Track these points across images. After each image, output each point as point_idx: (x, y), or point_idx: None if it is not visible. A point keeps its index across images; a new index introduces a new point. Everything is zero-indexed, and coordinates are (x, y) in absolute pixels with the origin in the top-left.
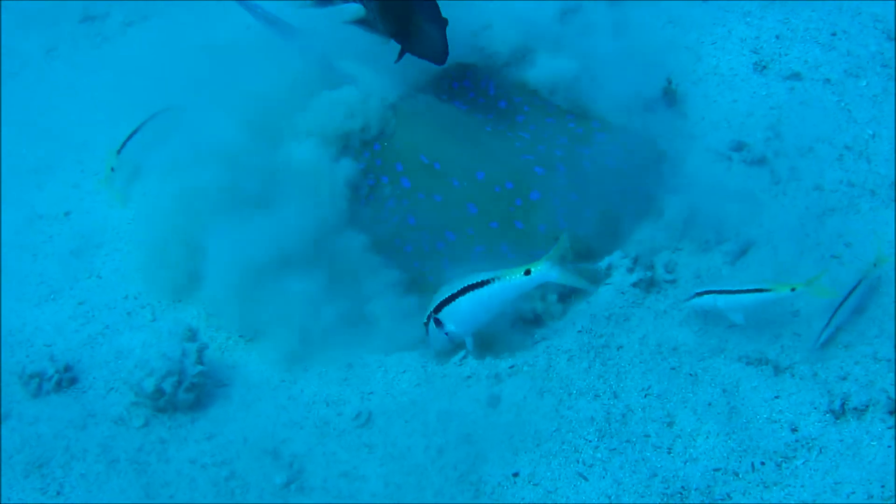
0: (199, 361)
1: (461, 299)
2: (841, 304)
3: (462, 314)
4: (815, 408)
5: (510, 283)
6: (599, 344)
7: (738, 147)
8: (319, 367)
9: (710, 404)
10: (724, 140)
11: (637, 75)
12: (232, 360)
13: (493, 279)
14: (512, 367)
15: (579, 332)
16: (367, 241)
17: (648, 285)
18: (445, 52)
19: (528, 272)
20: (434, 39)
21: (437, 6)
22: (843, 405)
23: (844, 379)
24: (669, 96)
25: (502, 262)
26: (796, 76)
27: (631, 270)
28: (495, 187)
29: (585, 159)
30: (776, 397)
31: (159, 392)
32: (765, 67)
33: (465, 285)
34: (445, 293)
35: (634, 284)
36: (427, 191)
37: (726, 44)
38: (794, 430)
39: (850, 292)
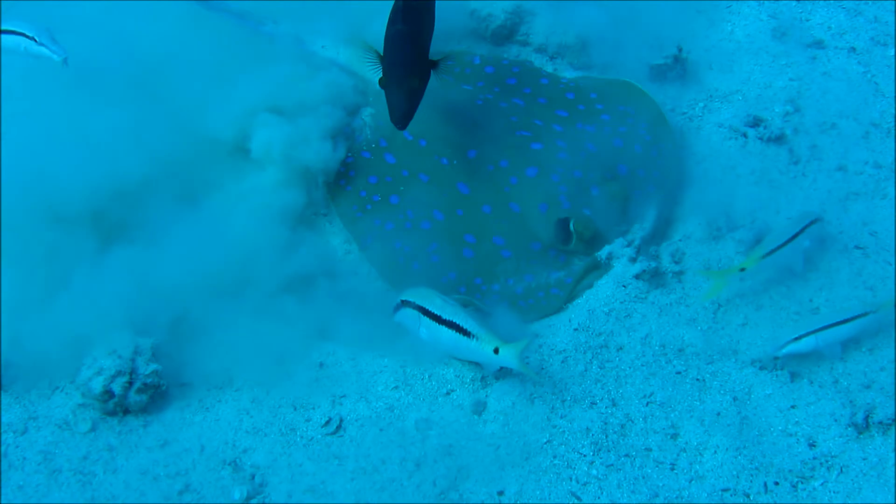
0: (154, 359)
1: (445, 330)
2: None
3: (434, 334)
4: (836, 420)
5: (477, 348)
6: (597, 344)
7: (754, 123)
8: (289, 364)
9: (718, 414)
10: (738, 115)
11: (644, 41)
12: (193, 355)
13: (470, 334)
14: (500, 368)
15: (576, 329)
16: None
17: (653, 277)
18: (400, 119)
19: (496, 351)
20: (393, 103)
21: (409, 68)
22: (866, 418)
23: (868, 388)
24: (680, 65)
25: (495, 259)
26: (818, 44)
27: (633, 260)
28: (488, 166)
29: (589, 137)
30: (792, 407)
31: (108, 393)
32: (784, 34)
33: (447, 318)
34: (436, 310)
35: (637, 276)
36: (412, 168)
37: (742, 7)
38: (812, 446)
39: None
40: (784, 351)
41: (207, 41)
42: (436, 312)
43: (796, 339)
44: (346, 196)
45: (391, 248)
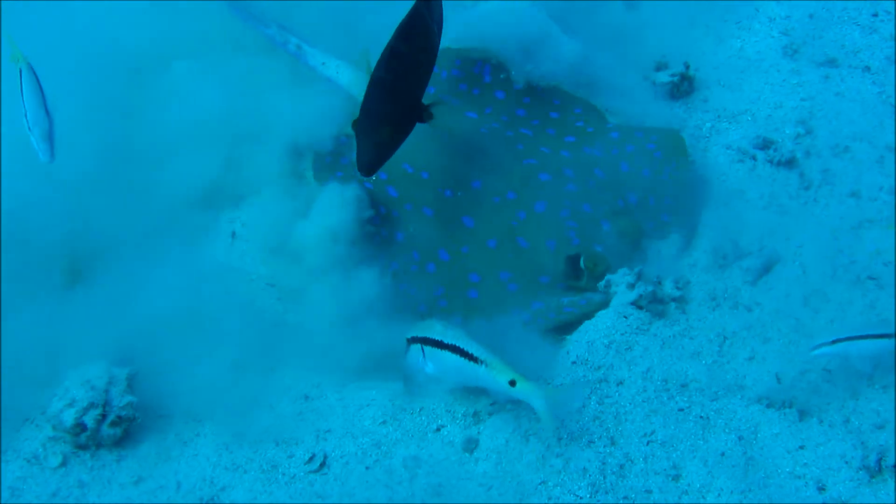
0: (130, 390)
1: (448, 355)
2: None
3: (438, 363)
4: (847, 462)
5: (490, 377)
6: (596, 378)
7: (764, 145)
8: (272, 397)
9: (723, 454)
10: (747, 136)
11: (649, 58)
12: (172, 386)
13: (482, 362)
14: (493, 403)
15: (573, 363)
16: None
17: (651, 303)
18: (364, 168)
19: (512, 383)
20: (359, 152)
21: (382, 118)
22: (879, 461)
23: (881, 428)
24: (687, 83)
25: (502, 295)
26: (832, 62)
27: (632, 287)
28: (494, 197)
29: (597, 163)
30: (801, 447)
31: (80, 426)
32: (796, 52)
33: (457, 346)
34: (437, 336)
35: (638, 305)
36: (416, 202)
37: (753, 23)
38: (821, 490)
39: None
40: (817, 352)
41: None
42: (437, 339)
43: (832, 342)
44: None
45: (396, 289)
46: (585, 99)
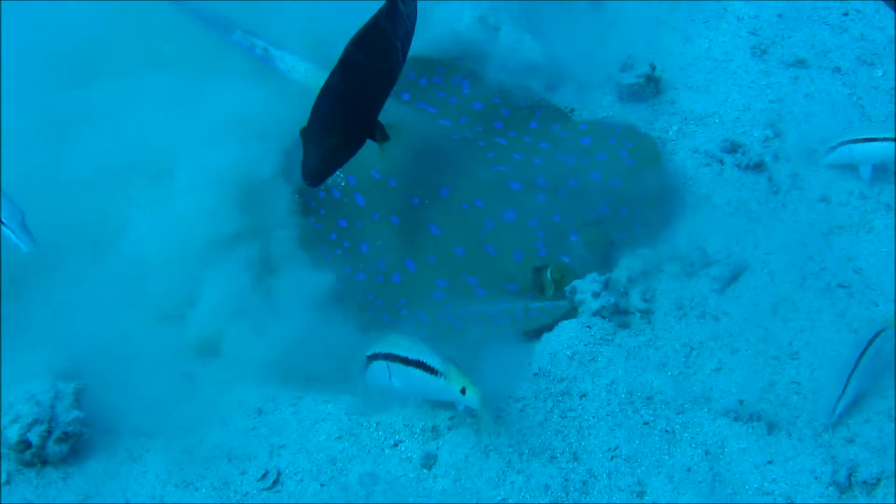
0: (76, 405)
1: (409, 368)
2: (857, 363)
3: (404, 378)
4: (816, 478)
5: (445, 387)
6: (559, 391)
7: (732, 148)
8: (224, 411)
9: (689, 470)
10: (714, 139)
11: (614, 58)
12: (121, 400)
13: (438, 373)
14: (452, 417)
15: (535, 374)
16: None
17: (620, 317)
18: (309, 176)
19: (463, 391)
20: (304, 159)
21: (330, 127)
22: (849, 476)
23: (852, 442)
24: (653, 84)
25: (469, 299)
26: (801, 63)
27: (597, 296)
28: (462, 204)
29: (569, 171)
30: (769, 462)
31: (24, 443)
32: (765, 52)
33: (421, 360)
34: (402, 351)
35: (601, 314)
36: (382, 211)
37: (720, 23)
38: None
39: (865, 349)
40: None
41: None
42: (402, 355)
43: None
44: (316, 234)
45: (363, 299)
46: (558, 108)
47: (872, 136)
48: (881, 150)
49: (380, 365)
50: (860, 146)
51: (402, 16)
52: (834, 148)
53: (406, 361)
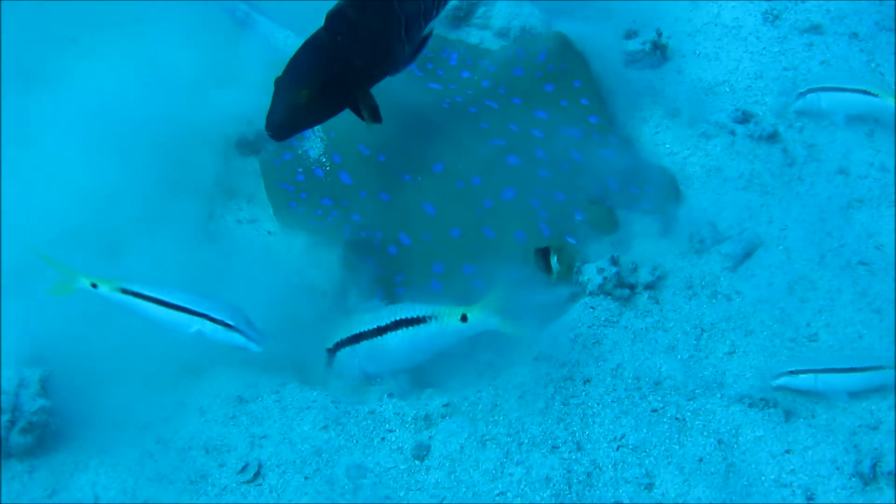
0: (43, 393)
1: (386, 337)
2: None
3: (382, 353)
4: (838, 469)
5: (440, 330)
6: (561, 376)
7: (744, 118)
8: (202, 398)
9: (701, 460)
10: (725, 109)
11: (619, 24)
12: (90, 388)
13: (425, 319)
14: (447, 405)
15: (536, 359)
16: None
17: (625, 292)
18: (272, 127)
19: (464, 318)
20: (271, 109)
21: (302, 79)
22: (874, 466)
23: (875, 429)
24: (659, 51)
25: (466, 291)
26: (816, 29)
27: (602, 272)
28: (458, 182)
29: (575, 145)
30: (787, 452)
31: None
32: (777, 17)
33: (391, 321)
34: (364, 325)
35: (607, 293)
36: (371, 188)
37: None
38: (809, 499)
39: None
40: (778, 382)
41: None
42: (371, 328)
43: (792, 372)
44: (299, 220)
45: (359, 263)
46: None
47: (843, 86)
48: (850, 101)
49: (345, 352)
50: (828, 94)
51: None
52: (803, 94)
53: (380, 331)
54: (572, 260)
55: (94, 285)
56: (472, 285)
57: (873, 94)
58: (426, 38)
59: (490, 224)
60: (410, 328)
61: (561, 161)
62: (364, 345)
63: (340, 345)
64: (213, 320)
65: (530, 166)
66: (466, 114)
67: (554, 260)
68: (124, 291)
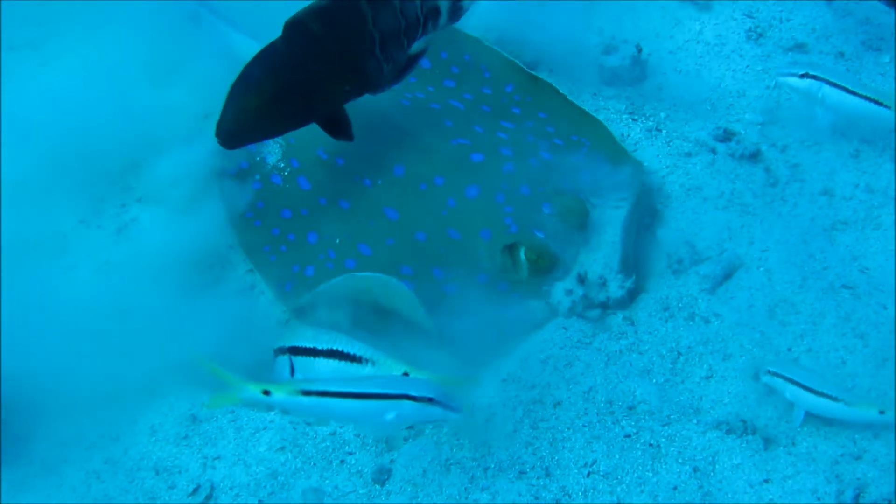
0: None
1: (317, 361)
2: None
3: (310, 374)
4: (819, 499)
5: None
6: (530, 398)
7: (725, 137)
8: (155, 416)
9: (675, 489)
10: (706, 127)
11: (599, 40)
12: (36, 404)
13: (363, 360)
14: (410, 427)
15: (504, 380)
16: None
17: (598, 319)
18: (222, 135)
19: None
20: (222, 113)
21: (254, 87)
22: (856, 497)
23: (859, 459)
24: (639, 67)
25: (438, 296)
26: (800, 48)
27: (570, 294)
28: (420, 184)
29: (543, 147)
30: (766, 481)
31: None
32: (761, 35)
33: (327, 348)
34: (305, 340)
35: (578, 314)
36: (330, 195)
37: (713, 4)
38: None
39: None
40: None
41: None
42: (307, 346)
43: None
44: (256, 233)
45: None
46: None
47: (852, 88)
48: (854, 107)
49: (281, 360)
50: (833, 92)
51: (393, 10)
52: (805, 76)
53: (315, 353)
54: (543, 260)
55: (266, 392)
56: (443, 291)
57: (885, 106)
58: (415, 57)
59: (455, 225)
60: (343, 363)
61: (529, 157)
62: (298, 359)
63: (281, 351)
64: (414, 399)
65: (495, 162)
66: (428, 110)
67: (521, 255)
68: (306, 393)
